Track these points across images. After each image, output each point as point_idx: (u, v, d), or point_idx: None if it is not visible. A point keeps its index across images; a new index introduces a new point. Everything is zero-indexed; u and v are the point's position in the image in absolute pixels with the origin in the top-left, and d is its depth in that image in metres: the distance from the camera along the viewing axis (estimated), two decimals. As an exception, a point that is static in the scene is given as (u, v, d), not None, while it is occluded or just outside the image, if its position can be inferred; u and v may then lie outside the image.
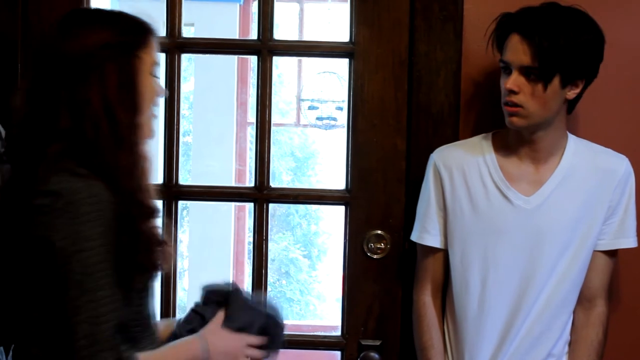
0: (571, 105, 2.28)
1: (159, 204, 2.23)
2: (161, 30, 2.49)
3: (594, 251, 2.30)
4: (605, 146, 2.36)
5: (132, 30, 1.83)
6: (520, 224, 2.27)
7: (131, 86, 1.78)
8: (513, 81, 2.20)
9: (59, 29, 1.81)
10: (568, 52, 2.16)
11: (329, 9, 7.80)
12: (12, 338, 1.82)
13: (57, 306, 1.69)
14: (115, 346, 1.68)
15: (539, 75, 2.17)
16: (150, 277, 1.84)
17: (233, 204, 6.07)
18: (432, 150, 2.45)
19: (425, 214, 2.40)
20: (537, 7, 2.22)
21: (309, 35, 8.21)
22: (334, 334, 2.69)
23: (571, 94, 2.22)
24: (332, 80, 7.54)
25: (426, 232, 2.40)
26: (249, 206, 2.70)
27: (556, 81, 2.17)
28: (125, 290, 1.74)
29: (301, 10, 8.38)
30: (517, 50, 2.19)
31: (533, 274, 2.27)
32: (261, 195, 2.63)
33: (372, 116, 2.59)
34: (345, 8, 2.64)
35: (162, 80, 2.09)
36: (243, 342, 1.95)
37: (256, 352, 1.97)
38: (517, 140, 2.30)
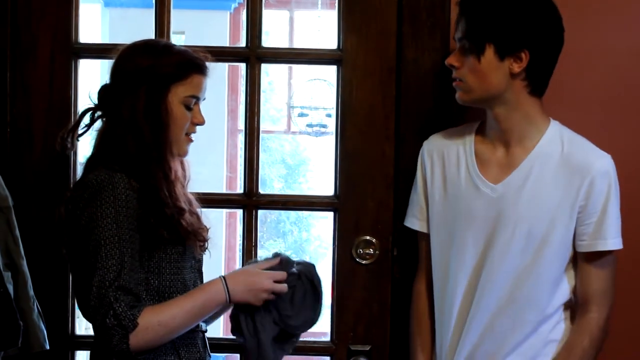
0: (535, 85, 2.22)
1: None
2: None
3: (580, 253, 2.24)
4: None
5: (174, 64, 2.17)
6: (486, 212, 2.26)
7: (157, 110, 2.14)
8: (452, 56, 2.24)
9: (126, 51, 2.22)
10: (497, 21, 2.16)
11: (319, 16, 7.81)
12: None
13: (83, 271, 2.08)
14: (112, 304, 1.99)
15: (471, 47, 2.18)
16: (180, 253, 2.16)
17: (224, 210, 6.07)
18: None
19: (412, 199, 2.45)
20: None
21: (299, 43, 8.22)
22: (323, 339, 2.70)
23: (515, 66, 2.18)
24: (322, 87, 7.55)
25: (413, 216, 2.45)
26: (240, 212, 2.71)
27: (490, 52, 2.17)
28: (157, 260, 2.12)
29: (291, 17, 8.39)
30: (458, 26, 2.23)
31: (491, 264, 2.24)
32: (250, 201, 2.65)
33: (360, 123, 2.61)
34: (335, 15, 2.65)
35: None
36: (265, 276, 2.20)
37: (278, 286, 2.20)
38: (489, 124, 2.31)
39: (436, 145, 2.40)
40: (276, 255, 2.29)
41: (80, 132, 2.25)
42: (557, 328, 2.28)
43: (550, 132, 2.25)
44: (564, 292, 2.27)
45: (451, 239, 2.32)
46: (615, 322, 2.33)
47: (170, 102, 2.16)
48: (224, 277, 2.16)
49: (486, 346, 2.26)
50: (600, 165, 2.21)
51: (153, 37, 2.59)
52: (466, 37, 2.20)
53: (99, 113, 2.22)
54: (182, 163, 2.30)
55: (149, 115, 2.13)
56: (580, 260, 2.26)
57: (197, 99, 2.22)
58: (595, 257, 2.25)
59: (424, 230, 2.43)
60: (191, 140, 2.26)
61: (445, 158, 2.36)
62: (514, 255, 2.23)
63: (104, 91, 2.21)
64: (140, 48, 2.21)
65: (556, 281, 2.25)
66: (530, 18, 2.18)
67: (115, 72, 2.20)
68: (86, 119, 2.25)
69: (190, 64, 2.20)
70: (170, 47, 2.23)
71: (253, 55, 2.63)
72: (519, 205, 2.22)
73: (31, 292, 2.34)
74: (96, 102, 2.22)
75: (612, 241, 2.23)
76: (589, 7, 2.56)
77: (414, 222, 2.45)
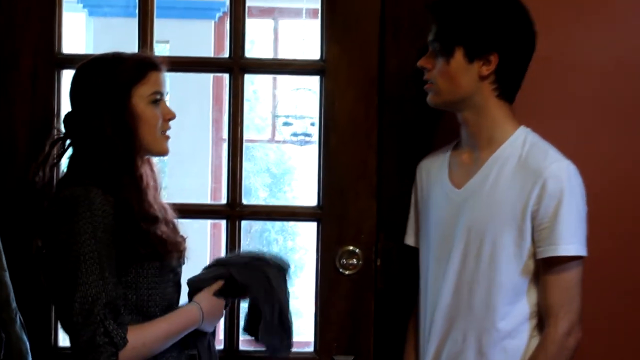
0: (504, 89, 2.22)
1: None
2: (134, 48, 2.52)
3: (539, 263, 2.16)
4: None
5: (129, 68, 2.19)
6: (450, 217, 2.26)
7: (123, 117, 2.16)
8: (423, 58, 2.26)
9: (78, 74, 2.23)
10: (467, 24, 2.17)
11: (304, 25, 7.83)
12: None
13: (63, 287, 2.06)
14: (102, 321, 1.99)
15: (440, 49, 2.20)
16: (157, 267, 2.17)
17: (208, 221, 6.05)
18: (403, 167, 2.51)
19: (409, 216, 2.47)
20: None
21: (284, 51, 8.23)
22: (307, 350, 2.70)
23: (484, 69, 2.19)
24: (307, 96, 7.55)
25: (407, 232, 2.49)
26: (224, 223, 2.70)
27: (459, 55, 2.19)
28: (134, 276, 2.13)
29: (276, 26, 8.40)
30: (430, 30, 2.25)
31: (451, 269, 2.23)
32: (233, 212, 2.64)
33: (343, 133, 2.61)
34: (319, 25, 2.66)
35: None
36: (219, 302, 2.27)
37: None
38: (461, 131, 2.32)
39: (426, 162, 2.43)
40: (215, 265, 2.33)
41: (53, 162, 2.27)
42: (524, 344, 2.19)
43: (515, 136, 2.23)
44: (525, 304, 2.19)
45: (428, 248, 2.34)
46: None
47: (135, 104, 2.18)
48: (198, 304, 2.22)
49: (447, 353, 2.25)
50: (553, 169, 2.15)
51: (136, 46, 2.59)
52: (436, 40, 2.22)
53: (68, 142, 2.25)
54: (152, 170, 2.31)
55: (116, 124, 2.15)
56: (540, 270, 2.18)
57: (161, 94, 2.23)
58: (551, 265, 2.15)
59: (412, 244, 2.46)
60: (168, 137, 2.27)
61: (431, 172, 2.39)
62: (469, 260, 2.21)
63: (68, 119, 2.24)
64: (90, 66, 2.22)
65: (515, 290, 2.19)
66: (500, 22, 2.19)
67: (74, 96, 2.22)
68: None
69: (144, 63, 2.22)
70: (119, 55, 2.24)
71: (236, 66, 2.63)
72: (475, 207, 2.22)
73: (14, 304, 2.33)
74: (64, 131, 2.25)
75: (563, 247, 2.13)
76: (568, 17, 2.58)
77: (406, 237, 2.49)
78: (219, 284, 2.26)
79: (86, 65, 2.23)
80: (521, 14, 2.22)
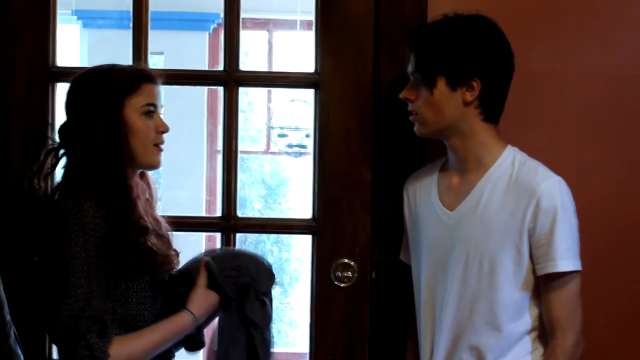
0: (489, 112, 2.24)
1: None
2: (128, 59, 2.52)
3: (540, 279, 2.20)
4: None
5: (123, 80, 2.19)
6: (444, 239, 2.28)
7: (115, 128, 2.16)
8: (405, 90, 2.27)
9: (73, 85, 2.24)
10: (446, 53, 2.18)
11: (298, 37, 7.84)
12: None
13: (50, 299, 2.07)
14: (84, 335, 2.00)
15: (422, 80, 2.21)
16: (147, 282, 2.17)
17: (203, 233, 6.05)
18: (396, 180, 2.50)
19: (404, 232, 2.48)
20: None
21: (279, 62, 8.24)
22: (302, 362, 2.70)
23: (468, 95, 2.20)
24: (301, 107, 7.56)
25: (402, 248, 2.49)
26: (219, 235, 2.70)
27: (442, 84, 2.19)
28: (123, 290, 2.13)
29: (270, 38, 8.42)
30: (409, 60, 2.26)
31: (451, 290, 2.24)
32: (228, 225, 2.64)
33: (337, 145, 2.61)
34: (313, 37, 2.66)
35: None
36: (213, 294, 2.23)
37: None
38: (449, 155, 2.34)
39: (411, 181, 2.44)
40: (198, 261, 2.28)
41: (47, 172, 2.28)
42: (526, 357, 2.23)
43: (503, 157, 2.25)
44: (527, 318, 2.23)
45: (419, 268, 2.35)
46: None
47: (127, 116, 2.18)
48: (189, 310, 2.19)
49: None
50: (546, 186, 2.18)
51: (131, 58, 2.59)
52: (417, 70, 2.22)
53: (62, 151, 2.25)
54: (147, 183, 2.32)
55: (108, 134, 2.15)
56: (541, 285, 2.21)
57: (155, 106, 2.23)
58: (552, 280, 2.19)
59: (406, 261, 2.46)
60: (160, 150, 2.26)
61: (417, 192, 2.40)
62: (469, 279, 2.23)
63: (63, 129, 2.25)
64: (85, 77, 2.23)
65: (517, 306, 2.22)
66: (478, 47, 2.20)
67: (68, 107, 2.23)
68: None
69: (138, 75, 2.23)
70: (114, 67, 2.25)
71: (231, 79, 2.63)
72: (471, 229, 2.23)
73: (8, 317, 2.32)
74: (58, 141, 2.26)
75: (562, 262, 2.17)
76: (558, 30, 2.59)
77: (401, 253, 2.51)
78: (204, 278, 2.22)
79: (81, 77, 2.24)
80: (498, 36, 2.23)
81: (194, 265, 2.27)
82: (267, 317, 2.28)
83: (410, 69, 2.26)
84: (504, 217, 2.20)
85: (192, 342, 2.27)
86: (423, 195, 2.38)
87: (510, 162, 2.24)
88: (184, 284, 2.24)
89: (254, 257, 2.34)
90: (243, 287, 2.24)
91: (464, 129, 2.24)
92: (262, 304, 2.28)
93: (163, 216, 2.33)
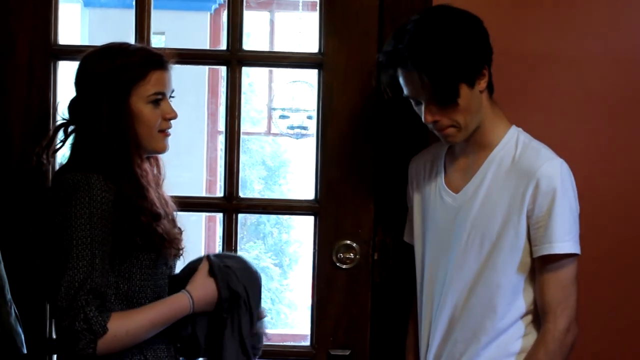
0: (490, 89, 2.24)
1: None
2: (130, 39, 2.50)
3: (536, 262, 2.18)
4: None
5: (131, 66, 2.16)
6: (448, 220, 2.28)
7: (120, 115, 2.14)
8: (429, 114, 2.19)
9: (84, 61, 2.21)
10: (460, 62, 2.15)
11: (300, 18, 7.82)
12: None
13: (53, 271, 2.06)
14: (83, 308, 1.99)
15: (445, 99, 2.16)
16: (152, 259, 2.17)
17: (203, 214, 6.05)
18: (400, 161, 2.49)
19: (408, 213, 2.46)
20: (407, 32, 2.18)
21: (280, 43, 8.22)
22: (303, 344, 2.70)
23: (482, 84, 2.20)
24: (303, 89, 7.54)
25: (405, 230, 2.48)
26: (219, 216, 2.69)
27: (464, 89, 2.16)
28: (128, 265, 2.13)
29: (272, 19, 8.39)
30: (413, 87, 2.18)
31: (451, 271, 2.25)
32: (230, 205, 2.64)
33: (341, 127, 2.60)
34: (316, 17, 2.64)
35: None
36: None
37: None
38: None
39: (416, 161, 2.43)
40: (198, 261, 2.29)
41: (56, 147, 2.26)
42: (518, 341, 2.22)
43: (507, 137, 2.25)
44: (521, 302, 2.21)
45: (422, 249, 2.35)
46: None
47: (134, 104, 2.16)
48: (187, 291, 2.18)
49: (448, 352, 2.26)
50: (546, 168, 2.17)
51: (133, 37, 2.58)
52: (435, 94, 2.16)
53: (72, 127, 2.23)
54: (157, 163, 2.31)
55: (112, 122, 2.13)
56: (537, 268, 2.19)
57: (163, 94, 2.21)
58: (547, 262, 2.17)
59: (409, 241, 2.45)
60: (167, 135, 2.25)
61: (422, 173, 2.39)
62: (469, 261, 2.22)
63: (72, 105, 2.22)
64: (96, 55, 2.20)
65: (514, 289, 2.21)
66: (476, 38, 2.19)
67: (78, 83, 2.21)
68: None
69: (147, 62, 2.19)
70: (126, 49, 2.20)
71: (234, 58, 2.62)
72: (473, 210, 2.23)
73: (9, 296, 2.33)
74: (67, 116, 2.23)
75: (559, 245, 2.15)
76: (560, 13, 2.58)
77: (405, 234, 2.49)
78: (206, 265, 2.23)
79: (92, 56, 2.20)
80: (476, 18, 2.21)
81: (197, 264, 2.27)
82: (256, 335, 2.29)
83: (423, 97, 2.18)
84: (505, 198, 2.20)
85: (190, 349, 2.26)
86: (428, 176, 2.37)
87: (514, 143, 2.24)
88: (188, 280, 2.24)
89: (251, 272, 2.31)
90: (234, 294, 2.23)
91: (481, 115, 2.23)
92: (251, 318, 2.26)
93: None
